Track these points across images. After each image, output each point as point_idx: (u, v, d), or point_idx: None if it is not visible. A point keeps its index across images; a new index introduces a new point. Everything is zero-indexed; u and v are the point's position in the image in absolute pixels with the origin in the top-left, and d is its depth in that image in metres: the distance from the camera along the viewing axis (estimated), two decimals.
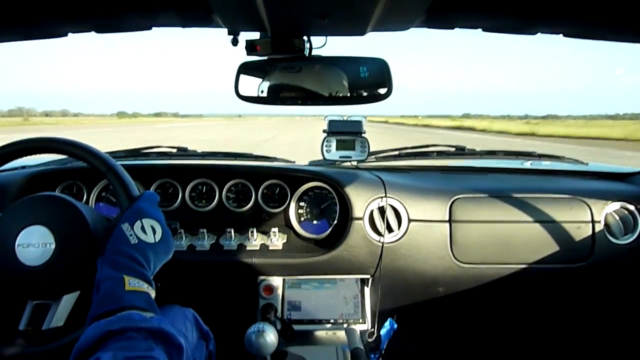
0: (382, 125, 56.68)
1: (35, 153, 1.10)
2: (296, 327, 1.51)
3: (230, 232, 1.52)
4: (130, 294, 0.82)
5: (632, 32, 1.02)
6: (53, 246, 0.98)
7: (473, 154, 1.94)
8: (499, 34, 1.06)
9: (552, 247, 1.49)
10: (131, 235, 0.94)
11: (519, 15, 0.99)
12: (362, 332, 1.52)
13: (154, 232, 0.99)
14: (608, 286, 1.64)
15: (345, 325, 1.54)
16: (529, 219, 1.50)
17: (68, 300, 1.02)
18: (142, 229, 0.97)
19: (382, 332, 1.52)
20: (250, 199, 1.64)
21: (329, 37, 1.14)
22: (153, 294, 0.88)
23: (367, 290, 1.57)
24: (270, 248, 1.51)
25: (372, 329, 1.55)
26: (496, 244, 1.50)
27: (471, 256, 1.50)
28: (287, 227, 1.64)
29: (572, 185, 1.63)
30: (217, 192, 1.64)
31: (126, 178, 1.05)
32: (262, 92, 1.21)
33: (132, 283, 0.84)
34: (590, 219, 1.51)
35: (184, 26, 1.07)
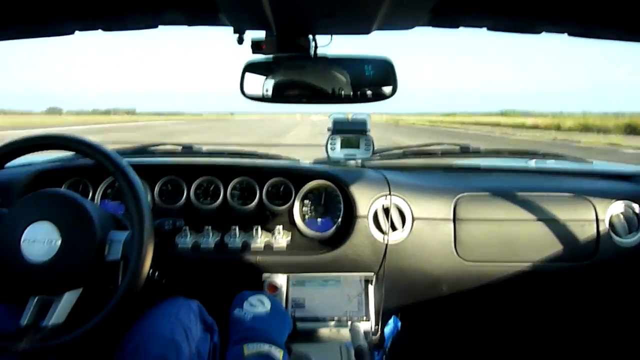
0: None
1: (42, 150, 1.11)
2: (300, 324, 1.51)
3: (234, 229, 1.52)
4: (250, 357, 0.93)
5: (638, 31, 1.02)
6: (58, 242, 0.99)
7: (477, 152, 1.94)
8: (504, 33, 1.06)
9: (556, 245, 1.49)
10: (244, 314, 1.08)
11: (524, 14, 0.99)
12: (366, 330, 1.52)
13: (263, 303, 1.13)
14: (612, 285, 1.64)
15: (349, 323, 1.54)
16: (533, 217, 1.50)
17: (70, 297, 1.02)
18: (251, 304, 1.12)
19: (386, 330, 1.52)
20: (255, 197, 1.64)
21: (334, 36, 1.15)
22: (280, 352, 0.97)
23: (371, 288, 1.57)
24: (275, 246, 1.52)
25: (376, 327, 1.55)
26: (500, 242, 1.50)
27: (475, 255, 1.50)
28: (291, 225, 1.64)
29: (577, 185, 1.63)
30: (222, 190, 1.65)
31: (133, 177, 1.06)
32: (267, 90, 1.22)
33: (251, 347, 0.94)
34: (594, 218, 1.50)
35: (189, 25, 1.08)
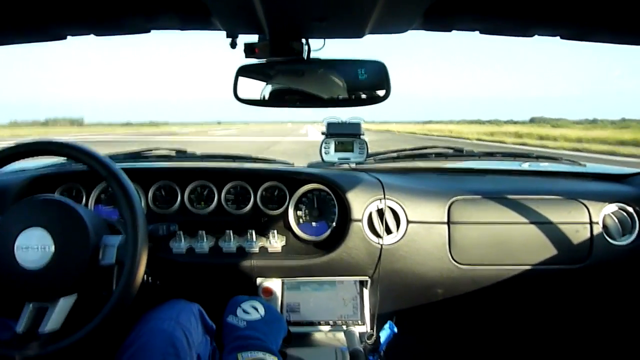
0: None
1: (35, 156, 1.10)
2: (295, 328, 1.51)
3: (229, 234, 1.52)
4: None
5: (629, 34, 1.03)
6: (52, 249, 0.99)
7: (471, 155, 1.94)
8: (497, 36, 1.07)
9: (550, 248, 1.49)
10: (238, 321, 1.08)
11: (516, 17, 0.99)
12: (361, 334, 1.52)
13: (257, 309, 1.14)
14: (607, 287, 1.64)
15: (344, 327, 1.54)
16: (527, 220, 1.50)
17: (65, 304, 1.02)
18: (245, 311, 1.12)
19: (381, 334, 1.52)
20: (249, 201, 1.64)
21: (327, 40, 1.15)
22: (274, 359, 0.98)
23: (366, 292, 1.57)
24: (269, 250, 1.52)
25: (371, 331, 1.55)
26: (494, 245, 1.50)
27: (470, 258, 1.50)
28: (286, 229, 1.64)
29: (570, 187, 1.63)
30: (216, 195, 1.64)
31: (126, 182, 1.05)
32: (260, 94, 1.22)
33: (245, 355, 0.95)
34: (588, 220, 1.51)
35: (182, 29, 1.08)
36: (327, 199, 1.61)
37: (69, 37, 1.08)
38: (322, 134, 1.71)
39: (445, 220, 1.50)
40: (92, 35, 1.08)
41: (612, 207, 1.53)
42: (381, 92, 1.21)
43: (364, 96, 1.22)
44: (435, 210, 1.50)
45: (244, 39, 1.12)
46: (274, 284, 1.54)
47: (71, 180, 1.63)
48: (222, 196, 1.64)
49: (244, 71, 1.20)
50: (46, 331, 0.98)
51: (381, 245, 1.47)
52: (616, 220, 1.53)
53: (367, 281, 1.55)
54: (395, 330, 1.51)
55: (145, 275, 1.13)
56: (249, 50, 1.13)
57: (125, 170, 1.08)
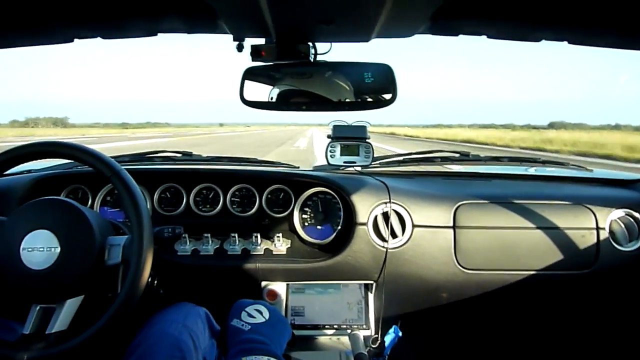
0: None
1: (41, 157, 1.10)
2: (300, 332, 1.51)
3: (234, 237, 1.52)
4: None
5: (636, 40, 1.02)
6: (58, 250, 0.99)
7: (477, 159, 1.93)
8: (504, 40, 1.06)
9: (556, 253, 1.49)
10: (242, 325, 1.09)
11: (523, 22, 0.99)
12: (366, 338, 1.52)
13: (261, 313, 1.14)
14: (613, 293, 1.63)
15: (348, 331, 1.53)
16: (534, 225, 1.49)
17: (72, 305, 1.02)
18: (249, 315, 1.12)
19: (386, 338, 1.51)
20: (255, 204, 1.64)
21: (334, 43, 1.15)
22: None
23: (370, 295, 1.57)
24: (274, 253, 1.51)
25: (376, 335, 1.54)
26: (500, 250, 1.49)
27: (475, 262, 1.50)
28: (291, 232, 1.64)
29: (577, 192, 1.62)
30: (222, 197, 1.64)
31: (131, 183, 1.05)
32: (266, 97, 1.21)
33: (249, 359, 0.95)
34: (594, 226, 1.50)
35: (189, 32, 1.08)
36: (332, 202, 1.60)
37: (76, 39, 1.08)
38: (328, 137, 1.70)
39: (451, 224, 1.49)
40: (99, 38, 1.09)
41: (619, 213, 1.53)
42: (387, 96, 1.20)
43: (370, 99, 1.22)
44: (441, 215, 1.50)
45: (250, 41, 1.12)
46: (279, 287, 1.54)
47: (77, 182, 1.64)
48: (228, 199, 1.64)
49: (250, 74, 1.20)
50: (53, 332, 0.98)
51: (386, 249, 1.46)
52: (623, 226, 1.52)
53: (372, 285, 1.55)
54: (400, 334, 1.51)
55: (150, 278, 1.13)
56: (256, 53, 1.13)
57: (131, 172, 1.08)
